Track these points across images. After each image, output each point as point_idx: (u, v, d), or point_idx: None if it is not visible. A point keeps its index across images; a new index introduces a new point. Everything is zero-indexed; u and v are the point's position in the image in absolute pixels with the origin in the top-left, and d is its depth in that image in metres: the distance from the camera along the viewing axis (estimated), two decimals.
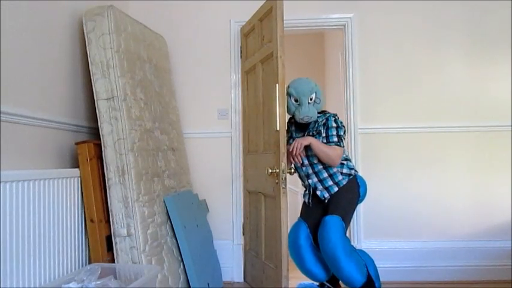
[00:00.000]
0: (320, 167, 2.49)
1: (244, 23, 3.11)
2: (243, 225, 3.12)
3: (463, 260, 2.99)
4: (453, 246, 3.01)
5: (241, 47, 3.16)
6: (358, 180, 2.51)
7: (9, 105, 1.82)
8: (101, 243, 2.19)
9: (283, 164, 2.35)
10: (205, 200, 3.05)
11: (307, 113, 2.46)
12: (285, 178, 2.36)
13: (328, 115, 2.50)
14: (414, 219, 3.04)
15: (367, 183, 2.59)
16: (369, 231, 3.04)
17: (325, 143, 2.44)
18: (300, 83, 2.52)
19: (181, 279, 2.40)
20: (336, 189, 2.46)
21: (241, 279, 3.08)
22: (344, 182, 2.46)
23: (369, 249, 2.87)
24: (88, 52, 2.29)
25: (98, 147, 2.25)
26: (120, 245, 2.17)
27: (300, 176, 2.63)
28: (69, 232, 2.10)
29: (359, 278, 2.30)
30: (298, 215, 4.63)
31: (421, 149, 3.05)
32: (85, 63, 2.46)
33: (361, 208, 3.00)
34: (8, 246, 1.68)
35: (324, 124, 2.46)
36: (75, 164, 2.30)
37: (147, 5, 3.22)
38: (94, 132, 2.56)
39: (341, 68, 3.41)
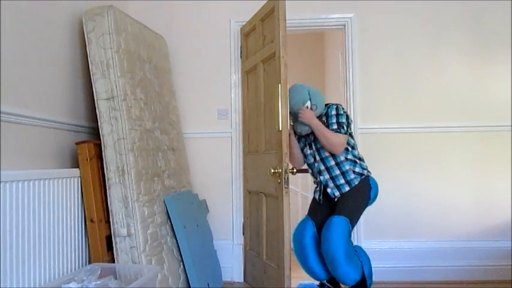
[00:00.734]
0: (332, 163, 2.44)
1: (244, 23, 3.11)
2: (243, 225, 3.12)
3: (463, 260, 2.99)
4: (453, 246, 3.01)
5: (241, 47, 3.16)
6: (371, 182, 2.45)
7: (9, 105, 1.83)
8: (101, 243, 2.19)
9: (286, 164, 2.35)
10: (205, 200, 3.05)
11: (303, 128, 2.45)
12: (288, 178, 2.35)
13: (329, 105, 2.46)
14: (414, 219, 3.04)
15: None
16: (369, 231, 3.04)
17: None
18: (291, 95, 2.46)
19: (181, 279, 2.40)
20: (347, 188, 2.41)
21: (241, 279, 3.08)
22: (356, 182, 2.40)
23: (369, 249, 2.88)
24: (88, 52, 2.29)
25: (98, 147, 2.25)
26: (120, 245, 2.17)
27: (312, 173, 2.59)
28: (69, 232, 2.10)
29: (354, 278, 2.30)
30: (298, 215, 4.63)
31: (421, 149, 3.06)
32: (85, 63, 2.46)
33: None
34: (8, 246, 1.68)
35: (325, 114, 2.43)
36: (75, 164, 2.30)
37: (147, 5, 3.23)
38: (94, 132, 2.56)
39: (341, 68, 3.41)
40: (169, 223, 2.46)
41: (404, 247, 3.02)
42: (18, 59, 1.91)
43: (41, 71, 2.10)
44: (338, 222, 2.32)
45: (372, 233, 3.04)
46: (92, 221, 2.19)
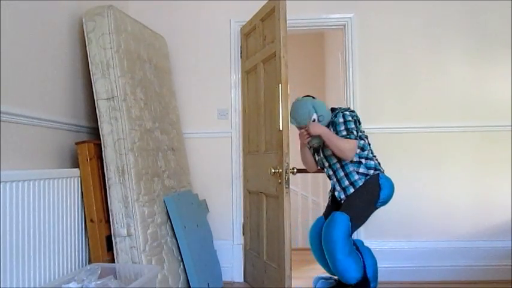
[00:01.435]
0: (338, 165, 2.45)
1: (244, 23, 3.11)
2: (243, 225, 3.12)
3: (463, 260, 2.99)
4: (453, 246, 3.01)
5: (241, 47, 3.16)
6: (381, 182, 2.37)
7: (9, 105, 1.83)
8: (101, 243, 2.19)
9: (286, 164, 2.36)
10: (205, 200, 3.05)
11: (315, 141, 2.44)
12: (288, 178, 2.36)
13: (337, 111, 2.45)
14: (414, 219, 3.04)
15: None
16: (369, 231, 3.04)
17: None
18: (296, 111, 2.46)
19: (181, 279, 2.40)
20: (351, 190, 2.40)
21: (241, 279, 3.08)
22: (360, 183, 2.38)
23: None
24: (88, 52, 2.29)
25: (98, 147, 2.25)
26: (120, 245, 2.17)
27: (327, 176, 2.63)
28: (69, 232, 2.10)
29: (353, 276, 2.29)
30: (298, 215, 4.63)
31: (421, 149, 3.06)
32: (85, 63, 2.46)
33: None
34: (8, 246, 1.68)
35: (332, 122, 2.42)
36: (75, 164, 2.30)
37: (147, 5, 3.23)
38: (94, 132, 2.56)
39: (341, 68, 3.41)
40: (169, 223, 2.46)
41: (404, 247, 3.02)
42: (18, 59, 1.91)
43: (41, 71, 2.10)
44: (339, 218, 2.33)
45: (372, 233, 3.04)
46: (92, 221, 2.19)
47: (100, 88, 2.25)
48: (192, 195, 2.80)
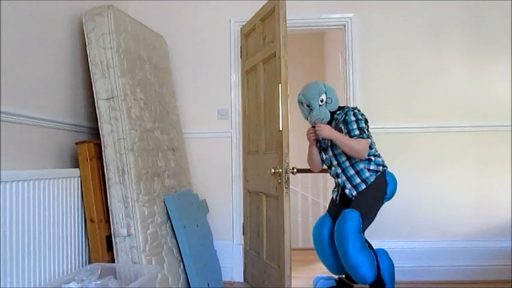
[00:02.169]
0: (347, 164, 2.45)
1: (244, 23, 3.11)
2: (243, 225, 3.12)
3: (463, 260, 2.99)
4: (453, 246, 3.01)
5: (241, 47, 3.16)
6: (387, 178, 2.43)
7: (9, 105, 1.82)
8: (101, 243, 2.19)
9: (286, 164, 2.36)
10: (205, 200, 3.05)
11: (318, 116, 2.44)
12: (288, 178, 2.36)
13: (346, 110, 2.45)
14: (414, 219, 3.04)
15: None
16: (369, 231, 3.02)
17: None
18: (307, 88, 2.50)
19: (181, 279, 2.40)
20: (363, 186, 2.41)
21: (241, 279, 3.08)
22: (372, 179, 2.40)
23: None
24: (88, 52, 2.28)
25: (98, 147, 2.25)
26: (120, 245, 2.17)
27: (331, 175, 2.62)
28: (69, 232, 2.10)
29: (367, 274, 2.27)
30: (298, 215, 4.63)
31: (421, 149, 3.06)
32: (85, 63, 2.46)
33: None
34: (8, 246, 1.68)
35: (344, 120, 2.42)
36: (75, 164, 2.30)
37: (147, 5, 3.22)
38: (94, 132, 2.56)
39: (341, 68, 3.41)
40: (169, 223, 2.46)
41: (404, 247, 3.02)
42: (18, 59, 1.91)
43: (41, 71, 2.10)
44: (350, 215, 2.33)
45: (372, 233, 3.03)
46: (92, 221, 2.19)
47: (100, 88, 2.25)
48: (192, 195, 2.80)
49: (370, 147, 2.46)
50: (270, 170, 2.44)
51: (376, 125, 3.05)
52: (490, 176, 3.03)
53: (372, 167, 2.43)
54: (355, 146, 2.33)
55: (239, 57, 3.17)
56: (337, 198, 2.60)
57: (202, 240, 2.69)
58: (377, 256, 2.37)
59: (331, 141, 2.48)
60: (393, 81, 3.09)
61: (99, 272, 1.95)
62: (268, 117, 2.69)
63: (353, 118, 2.39)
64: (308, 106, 2.48)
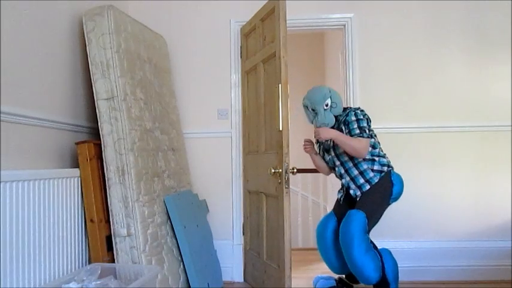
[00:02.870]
0: (350, 164, 2.45)
1: (244, 23, 3.11)
2: (243, 225, 3.12)
3: (463, 260, 2.99)
4: (453, 246, 3.01)
5: (241, 47, 3.16)
6: (393, 178, 2.43)
7: (9, 105, 1.83)
8: (101, 243, 2.19)
9: (286, 164, 2.36)
10: (205, 200, 3.05)
11: (323, 121, 2.44)
12: (288, 178, 2.36)
13: (348, 111, 2.45)
14: (414, 219, 3.04)
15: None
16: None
17: None
18: (312, 92, 2.50)
19: (181, 279, 2.40)
20: (367, 187, 2.41)
21: (241, 279, 3.08)
22: (376, 180, 2.40)
23: None
24: (88, 52, 2.28)
25: (98, 147, 2.25)
26: (120, 245, 2.17)
27: (336, 176, 2.62)
28: (69, 232, 2.10)
29: (372, 275, 2.27)
30: (298, 215, 4.62)
31: (421, 148, 3.06)
32: (85, 63, 2.46)
33: None
34: (8, 246, 1.68)
35: (344, 121, 2.42)
36: (75, 164, 2.30)
37: (147, 5, 3.23)
38: (94, 132, 2.56)
39: (341, 68, 3.41)
40: (169, 223, 2.46)
41: (404, 247, 3.02)
42: (18, 59, 1.91)
43: (41, 71, 2.10)
44: (355, 215, 2.32)
45: (372, 233, 3.03)
46: (92, 221, 2.19)
47: (100, 88, 2.25)
48: (192, 195, 2.80)
49: (374, 147, 2.46)
50: (270, 170, 2.44)
51: (376, 125, 3.05)
52: (490, 176, 3.03)
53: (376, 167, 2.43)
54: (355, 144, 2.33)
55: (239, 57, 3.17)
56: (341, 198, 2.60)
57: (202, 240, 2.69)
58: (382, 256, 2.37)
59: (333, 141, 2.48)
60: (393, 81, 3.09)
61: (99, 272, 1.95)
62: (268, 117, 2.69)
63: (353, 118, 2.39)
64: (313, 110, 2.48)
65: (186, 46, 3.21)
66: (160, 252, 2.28)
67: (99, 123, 2.24)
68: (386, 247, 3.00)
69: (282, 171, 2.37)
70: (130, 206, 2.17)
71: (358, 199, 2.43)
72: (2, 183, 1.65)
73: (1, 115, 1.76)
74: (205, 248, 2.71)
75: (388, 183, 2.41)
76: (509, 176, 3.01)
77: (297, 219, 4.75)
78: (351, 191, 2.46)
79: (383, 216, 3.01)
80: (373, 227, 2.41)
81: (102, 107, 2.24)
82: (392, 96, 3.09)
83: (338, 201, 2.66)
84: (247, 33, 3.04)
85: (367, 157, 2.44)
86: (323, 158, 2.63)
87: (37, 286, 1.82)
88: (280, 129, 2.41)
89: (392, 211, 3.02)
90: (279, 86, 2.44)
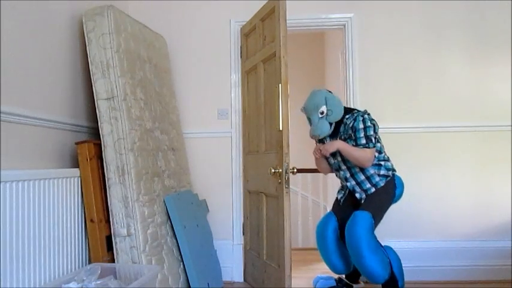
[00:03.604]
0: (357, 169, 2.44)
1: (244, 23, 3.11)
2: (243, 225, 3.12)
3: (463, 260, 2.99)
4: (453, 246, 3.01)
5: (241, 47, 3.16)
6: (396, 181, 2.47)
7: (9, 105, 1.82)
8: (101, 243, 2.19)
9: (286, 164, 2.36)
10: (205, 200, 3.05)
11: (315, 131, 2.43)
12: (288, 178, 2.36)
13: (355, 115, 2.40)
14: (414, 219, 3.04)
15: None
16: None
17: (354, 145, 2.37)
18: (309, 99, 2.48)
19: (181, 279, 2.40)
20: (373, 190, 2.42)
21: (241, 279, 3.08)
22: (382, 184, 2.42)
23: None
24: (88, 52, 2.28)
25: (98, 147, 2.25)
26: (120, 245, 2.17)
27: (337, 176, 2.62)
28: (69, 232, 2.10)
29: (381, 274, 2.26)
30: (298, 215, 4.62)
31: (421, 149, 3.06)
32: (85, 63, 2.46)
33: None
34: (8, 246, 1.68)
35: (352, 127, 2.39)
36: (75, 164, 2.30)
37: (147, 5, 3.23)
38: (94, 132, 2.56)
39: (341, 68, 3.41)
40: (169, 223, 2.46)
41: (404, 247, 3.02)
42: (18, 59, 1.91)
43: (41, 71, 2.10)
44: (361, 216, 2.32)
45: None
46: (92, 221, 2.19)
47: (100, 88, 2.25)
48: (192, 195, 2.80)
49: (380, 152, 2.46)
50: (270, 170, 2.44)
51: None
52: (490, 176, 3.03)
53: (382, 172, 2.43)
54: (359, 156, 2.33)
55: (239, 57, 3.17)
56: (342, 199, 2.60)
57: (202, 240, 2.69)
58: (388, 254, 2.37)
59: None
60: (393, 81, 3.09)
61: (99, 272, 1.95)
62: (268, 117, 2.69)
63: (361, 126, 2.36)
64: (309, 119, 2.49)
65: (186, 46, 3.21)
66: (160, 252, 2.28)
67: (99, 123, 2.24)
68: None
69: (282, 171, 2.37)
70: (130, 206, 2.17)
71: (363, 201, 2.44)
72: (2, 183, 1.65)
73: (1, 115, 1.76)
74: (205, 248, 2.71)
75: (392, 186, 2.43)
76: (509, 176, 3.01)
77: (297, 219, 4.75)
78: (357, 195, 2.46)
79: (384, 216, 3.02)
80: (375, 228, 2.40)
81: (102, 107, 2.24)
82: (392, 96, 3.09)
83: (337, 201, 2.65)
84: (247, 33, 3.04)
85: (374, 162, 2.43)
86: (327, 160, 2.61)
87: (37, 286, 1.82)
88: (280, 129, 2.41)
89: (392, 211, 3.01)
90: (279, 86, 2.44)
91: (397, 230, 3.05)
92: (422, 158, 3.06)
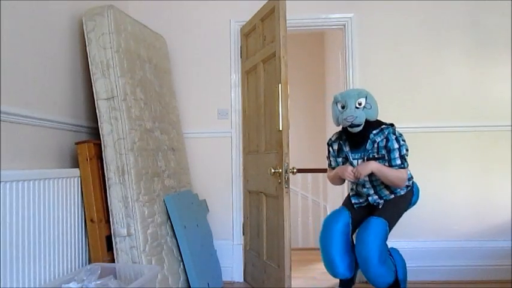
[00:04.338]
0: (382, 186, 2.37)
1: (244, 23, 3.11)
2: (243, 225, 3.12)
3: (463, 260, 2.99)
4: (453, 246, 3.01)
5: (241, 47, 3.16)
6: (414, 189, 2.43)
7: (9, 105, 1.82)
8: (101, 243, 2.19)
9: (286, 164, 2.36)
10: (205, 200, 3.05)
11: (352, 113, 2.20)
12: (288, 178, 2.36)
13: (386, 132, 2.28)
14: (414, 219, 3.04)
15: None
16: None
17: (387, 165, 2.26)
18: (348, 90, 2.36)
19: (181, 279, 2.40)
20: (391, 196, 2.38)
21: (241, 279, 3.08)
22: (402, 193, 2.38)
23: None
24: (88, 52, 2.28)
25: (98, 147, 2.25)
26: (120, 245, 2.17)
27: (355, 188, 2.50)
28: (69, 232, 2.10)
29: (386, 281, 2.24)
30: (298, 215, 4.61)
31: (421, 149, 3.05)
32: (85, 63, 2.46)
33: None
34: (8, 246, 1.68)
35: (385, 146, 2.26)
36: (75, 164, 2.30)
37: (147, 5, 3.23)
38: (94, 132, 2.56)
39: (341, 68, 3.41)
40: (169, 223, 2.46)
41: (404, 247, 3.01)
42: (18, 59, 1.91)
43: (41, 71, 2.10)
44: (376, 223, 2.24)
45: None
46: (92, 221, 2.19)
47: (100, 88, 2.25)
48: (192, 195, 2.80)
49: None
50: (270, 170, 2.44)
51: None
52: (490, 176, 3.03)
53: (406, 183, 2.34)
54: (395, 178, 2.23)
55: (239, 57, 3.17)
56: (356, 203, 2.47)
57: (202, 240, 2.69)
58: (394, 260, 2.35)
59: (363, 158, 2.33)
60: (393, 81, 3.09)
61: (99, 272, 1.95)
62: (268, 117, 2.69)
63: (396, 146, 2.26)
64: (343, 107, 2.28)
65: (186, 46, 3.21)
66: (160, 252, 2.28)
67: (99, 123, 2.24)
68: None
69: (282, 171, 2.37)
70: (130, 205, 2.17)
71: (380, 206, 2.38)
72: (2, 183, 1.65)
73: (1, 115, 1.76)
74: (205, 248, 2.71)
75: (411, 194, 2.41)
76: (509, 176, 3.01)
77: (297, 219, 4.75)
78: (373, 200, 2.40)
79: None
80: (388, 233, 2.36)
81: (102, 106, 2.24)
82: (392, 96, 3.08)
83: (349, 199, 2.50)
84: (247, 33, 3.04)
85: None
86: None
87: (37, 286, 1.82)
88: (280, 129, 2.41)
89: None
90: (279, 86, 2.44)
91: (397, 230, 3.03)
92: (422, 158, 3.05)
